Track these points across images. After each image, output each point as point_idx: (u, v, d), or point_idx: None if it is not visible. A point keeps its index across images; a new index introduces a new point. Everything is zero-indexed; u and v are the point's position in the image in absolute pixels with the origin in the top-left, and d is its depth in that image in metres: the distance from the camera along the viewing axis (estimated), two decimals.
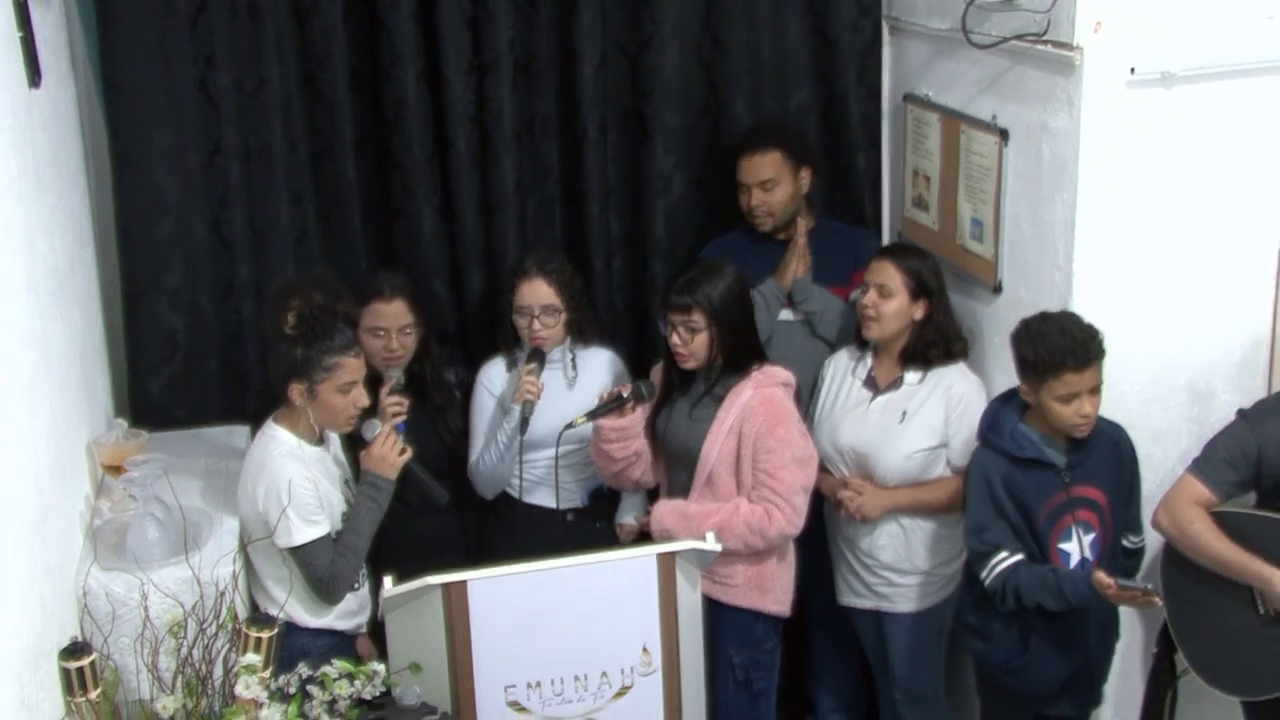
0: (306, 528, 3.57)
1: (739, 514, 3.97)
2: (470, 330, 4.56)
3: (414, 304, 4.16)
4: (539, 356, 4.18)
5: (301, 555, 3.60)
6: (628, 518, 4.35)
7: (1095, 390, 3.70)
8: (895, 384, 4.20)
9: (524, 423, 4.11)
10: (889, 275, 4.11)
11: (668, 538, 3.97)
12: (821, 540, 4.43)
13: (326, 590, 3.66)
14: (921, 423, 4.14)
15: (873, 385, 4.23)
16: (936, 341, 4.16)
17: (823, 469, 4.26)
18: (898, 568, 4.24)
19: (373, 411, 3.83)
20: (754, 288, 4.34)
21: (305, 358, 3.58)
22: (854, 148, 4.73)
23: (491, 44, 4.32)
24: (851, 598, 4.37)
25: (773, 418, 3.99)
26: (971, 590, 4.01)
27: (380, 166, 4.42)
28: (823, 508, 4.37)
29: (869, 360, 4.26)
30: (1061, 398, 3.67)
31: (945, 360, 4.18)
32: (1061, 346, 3.63)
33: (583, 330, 4.30)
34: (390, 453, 3.75)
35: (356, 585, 3.75)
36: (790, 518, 3.98)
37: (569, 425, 4.07)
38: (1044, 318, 3.73)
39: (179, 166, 4.16)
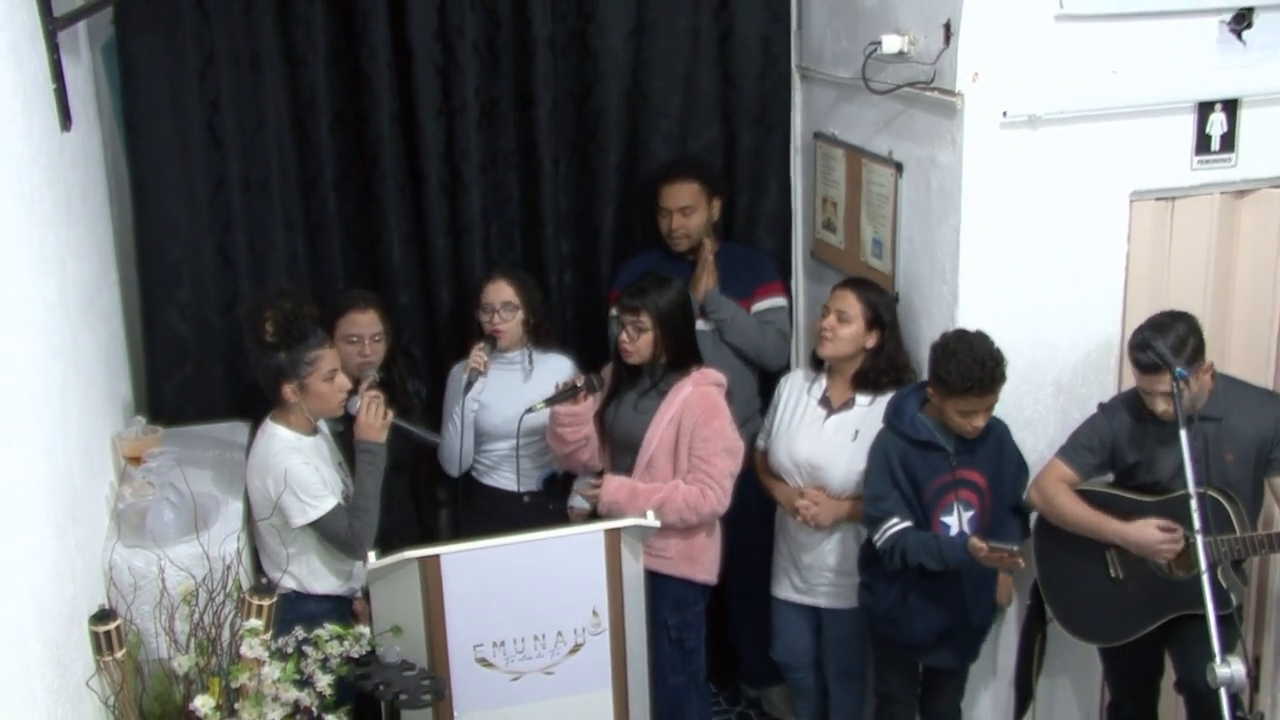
0: (319, 503, 3.59)
1: (678, 492, 3.98)
2: (440, 340, 4.56)
3: (384, 315, 4.14)
4: (491, 341, 4.20)
5: (322, 526, 3.61)
6: (577, 500, 4.35)
7: (990, 408, 3.75)
8: (848, 404, 4.11)
9: (468, 385, 4.14)
10: (850, 304, 4.05)
11: (615, 509, 3.97)
12: (751, 527, 4.41)
13: (351, 549, 3.66)
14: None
15: (827, 405, 4.15)
16: (887, 370, 4.08)
17: (779, 479, 4.24)
18: (841, 570, 4.18)
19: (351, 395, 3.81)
20: None
21: (290, 360, 3.58)
22: (761, 178, 4.75)
23: (459, 91, 4.32)
24: (792, 594, 4.31)
25: (708, 412, 4.01)
26: (865, 551, 4.04)
27: (362, 197, 4.40)
28: (765, 506, 4.34)
29: (824, 381, 4.18)
30: (962, 412, 3.72)
31: (894, 387, 4.05)
32: (973, 376, 3.65)
33: (540, 337, 4.30)
34: (375, 419, 3.74)
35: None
36: (720, 498, 4.00)
37: (529, 409, 4.07)
38: (960, 338, 3.75)
39: (189, 197, 4.15)
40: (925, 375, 3.93)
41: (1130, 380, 3.90)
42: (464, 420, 4.21)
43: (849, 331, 4.05)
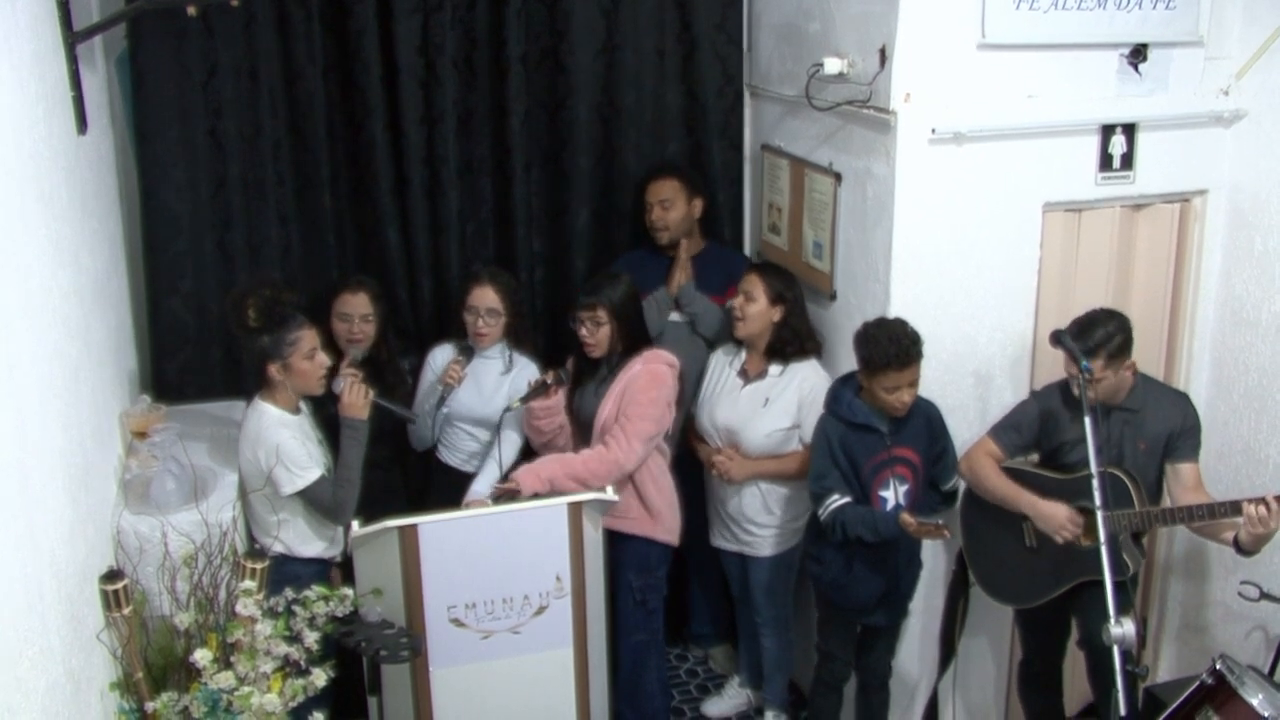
0: (305, 473, 3.60)
1: (576, 460, 3.94)
2: (423, 325, 4.56)
3: (374, 299, 4.15)
4: (469, 352, 4.20)
5: (308, 494, 3.62)
6: (477, 491, 4.15)
7: (913, 384, 3.79)
8: (761, 375, 4.20)
9: (441, 399, 4.15)
10: (754, 285, 4.16)
11: (536, 485, 3.87)
12: (700, 500, 4.45)
13: (335, 515, 3.67)
14: (780, 408, 4.17)
15: (744, 375, 4.24)
16: (792, 340, 4.17)
17: (701, 440, 4.32)
18: (758, 521, 4.28)
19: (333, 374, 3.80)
20: (650, 294, 4.38)
21: (273, 341, 3.58)
22: (717, 185, 4.77)
23: (439, 102, 4.33)
24: (722, 542, 4.41)
25: (649, 383, 4.01)
26: (812, 526, 4.08)
27: (352, 197, 4.40)
28: (702, 473, 4.39)
29: (742, 355, 4.27)
30: (886, 389, 3.76)
31: (800, 356, 4.18)
32: (889, 353, 3.70)
33: (519, 337, 4.27)
34: (358, 397, 3.74)
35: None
36: (625, 448, 3.92)
37: (507, 408, 4.08)
38: (879, 324, 3.79)
39: (192, 196, 4.13)
40: (840, 357, 4.01)
41: (1045, 371, 3.97)
42: (435, 420, 4.22)
43: (755, 309, 4.16)
